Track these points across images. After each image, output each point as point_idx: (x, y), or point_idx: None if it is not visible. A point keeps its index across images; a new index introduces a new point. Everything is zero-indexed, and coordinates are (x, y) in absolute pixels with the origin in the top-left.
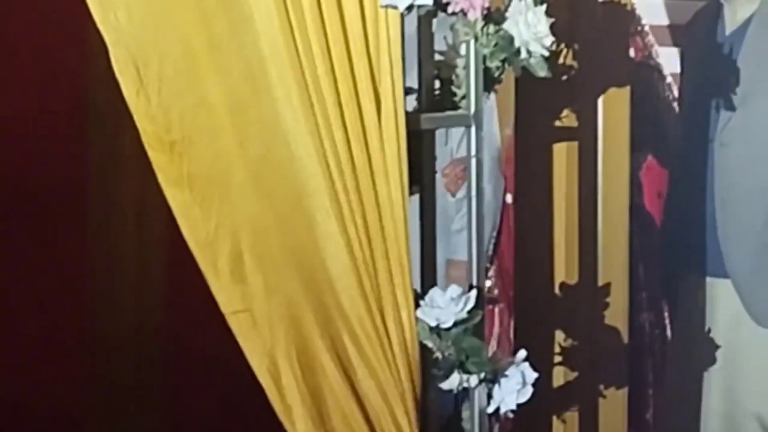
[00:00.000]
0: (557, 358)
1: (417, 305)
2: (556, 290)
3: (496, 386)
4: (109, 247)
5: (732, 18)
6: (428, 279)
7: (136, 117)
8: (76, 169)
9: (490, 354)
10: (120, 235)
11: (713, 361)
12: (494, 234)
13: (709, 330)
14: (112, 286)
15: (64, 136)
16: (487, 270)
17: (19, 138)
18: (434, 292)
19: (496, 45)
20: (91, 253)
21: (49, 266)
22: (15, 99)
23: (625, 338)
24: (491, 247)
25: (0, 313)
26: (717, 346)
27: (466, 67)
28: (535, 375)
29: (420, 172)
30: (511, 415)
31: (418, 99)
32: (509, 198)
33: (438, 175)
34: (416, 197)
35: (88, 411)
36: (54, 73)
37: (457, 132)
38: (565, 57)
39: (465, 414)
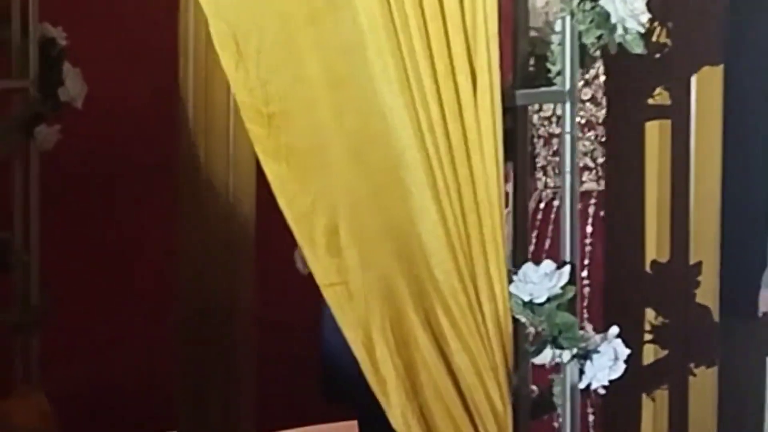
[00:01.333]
0: (647, 336)
1: (510, 280)
2: (647, 268)
3: (588, 362)
4: (198, 227)
5: None
6: (521, 254)
7: (234, 90)
8: (166, 147)
9: None
10: (209, 213)
11: None
12: None
13: None
14: (202, 263)
15: (155, 113)
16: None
17: (111, 115)
18: (527, 267)
19: (592, 21)
20: (181, 232)
21: (139, 246)
22: (109, 75)
23: (716, 317)
24: None
25: (91, 287)
26: None
27: (562, 43)
28: (628, 351)
29: (514, 148)
30: (602, 392)
31: (513, 75)
32: (509, 187)
33: None
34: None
35: (175, 384)
36: (146, 49)
37: None
38: (659, 35)
39: (556, 389)
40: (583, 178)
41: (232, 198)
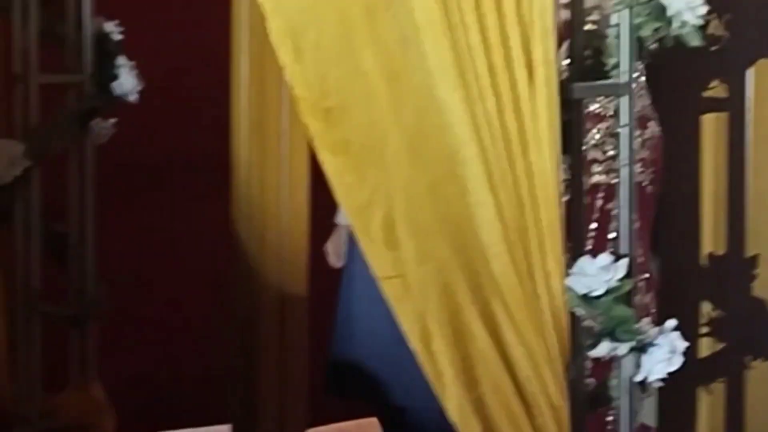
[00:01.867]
0: (704, 329)
1: (567, 273)
2: (704, 261)
3: (645, 355)
4: (251, 219)
5: None
6: (578, 247)
7: (292, 85)
8: (219, 141)
9: None
10: (263, 205)
11: None
12: None
13: None
14: (255, 255)
15: (208, 107)
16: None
17: (165, 108)
18: (584, 261)
19: (648, 14)
20: (235, 225)
21: (193, 238)
22: (163, 70)
23: None
24: None
25: (146, 280)
26: None
27: (618, 36)
28: (685, 344)
29: (570, 142)
30: (659, 384)
31: (569, 68)
32: None
33: None
34: None
35: (228, 376)
36: (200, 44)
37: None
38: (716, 27)
39: (613, 382)
40: (591, 171)
41: (286, 191)
